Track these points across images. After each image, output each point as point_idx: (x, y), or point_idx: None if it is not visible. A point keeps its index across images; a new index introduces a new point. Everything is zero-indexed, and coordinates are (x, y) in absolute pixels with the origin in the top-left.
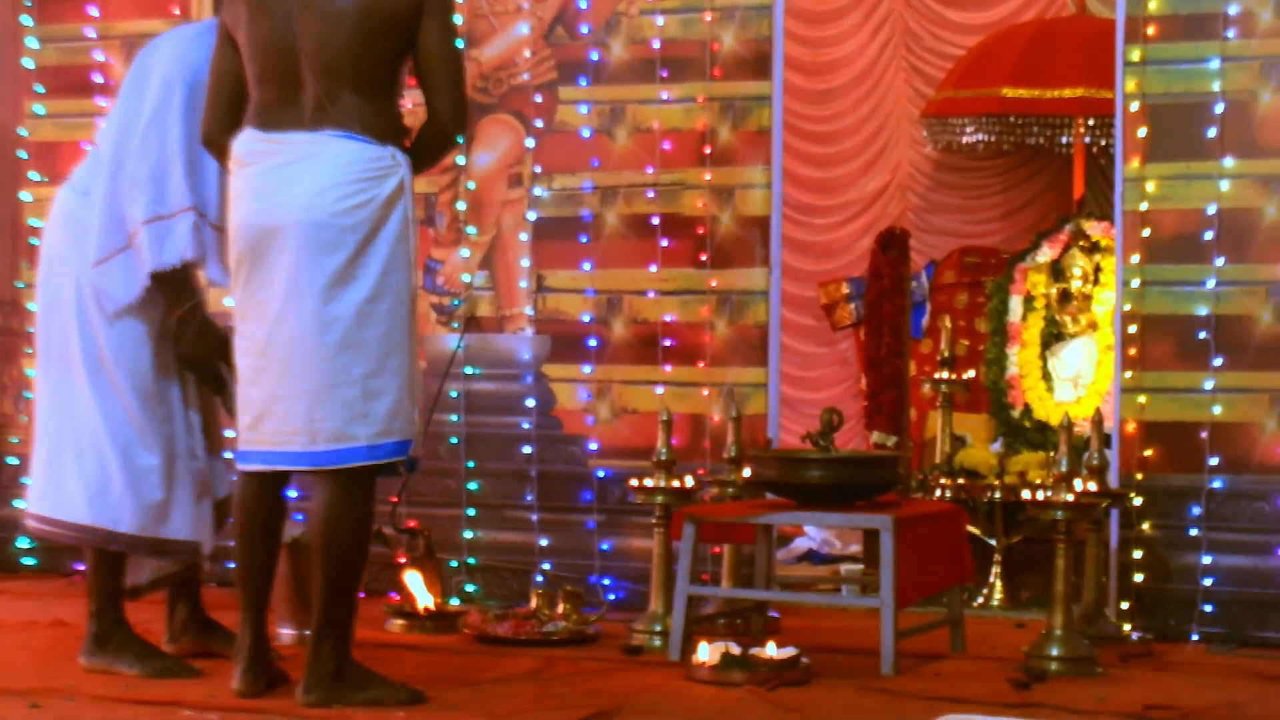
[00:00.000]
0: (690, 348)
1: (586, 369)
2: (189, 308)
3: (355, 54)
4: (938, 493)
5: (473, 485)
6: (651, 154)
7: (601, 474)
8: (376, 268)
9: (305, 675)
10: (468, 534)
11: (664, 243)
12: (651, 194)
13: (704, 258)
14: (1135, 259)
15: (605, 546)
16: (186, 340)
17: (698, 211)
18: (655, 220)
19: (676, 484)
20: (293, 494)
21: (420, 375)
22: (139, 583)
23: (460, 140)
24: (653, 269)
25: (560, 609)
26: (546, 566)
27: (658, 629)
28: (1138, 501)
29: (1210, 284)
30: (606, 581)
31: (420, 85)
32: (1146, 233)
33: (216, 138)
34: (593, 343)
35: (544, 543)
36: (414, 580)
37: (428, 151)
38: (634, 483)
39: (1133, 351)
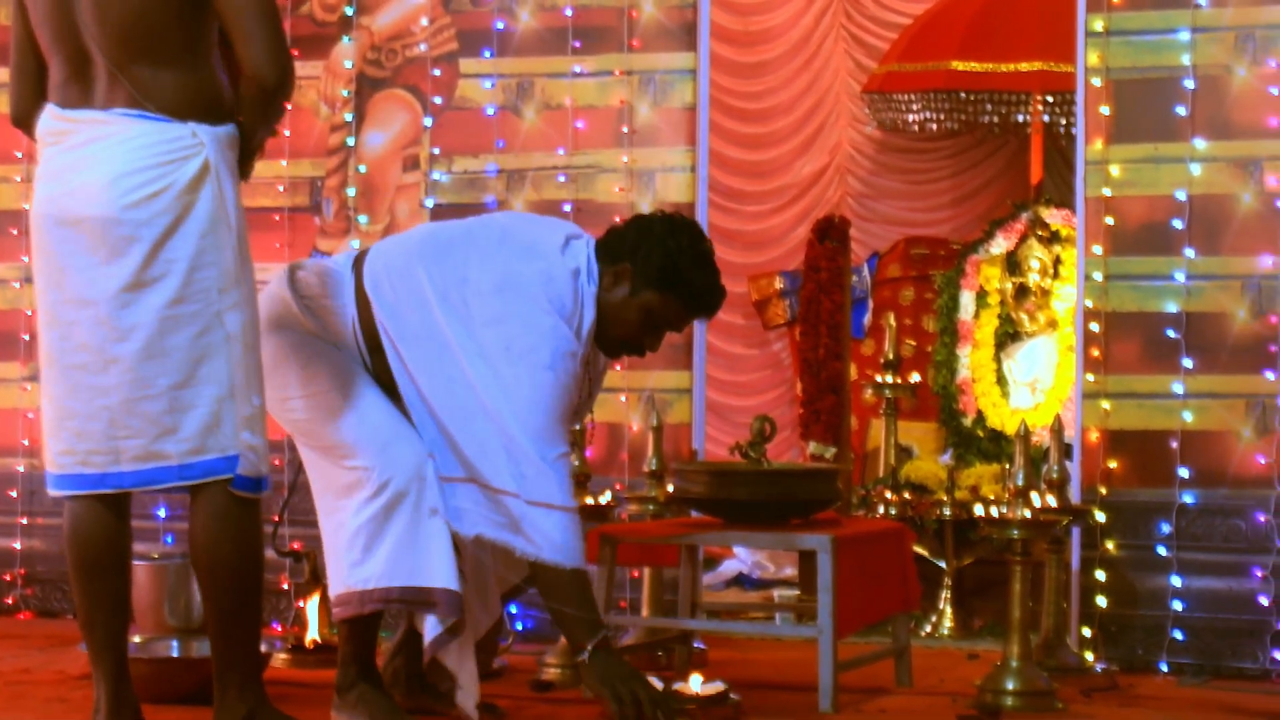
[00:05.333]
0: None
1: None
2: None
3: (139, 15)
4: (881, 509)
5: None
6: (563, 134)
7: None
8: (181, 266)
9: None
10: None
11: None
12: (563, 178)
13: None
14: (1098, 250)
15: None
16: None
17: (615, 198)
18: (567, 208)
19: (591, 500)
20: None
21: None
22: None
23: (284, 92)
24: None
25: None
26: None
27: (570, 662)
28: (1101, 518)
29: (1180, 278)
30: (513, 609)
31: (228, 38)
32: (1110, 221)
33: (27, 116)
34: None
35: None
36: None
37: (250, 114)
38: None
39: (1095, 352)
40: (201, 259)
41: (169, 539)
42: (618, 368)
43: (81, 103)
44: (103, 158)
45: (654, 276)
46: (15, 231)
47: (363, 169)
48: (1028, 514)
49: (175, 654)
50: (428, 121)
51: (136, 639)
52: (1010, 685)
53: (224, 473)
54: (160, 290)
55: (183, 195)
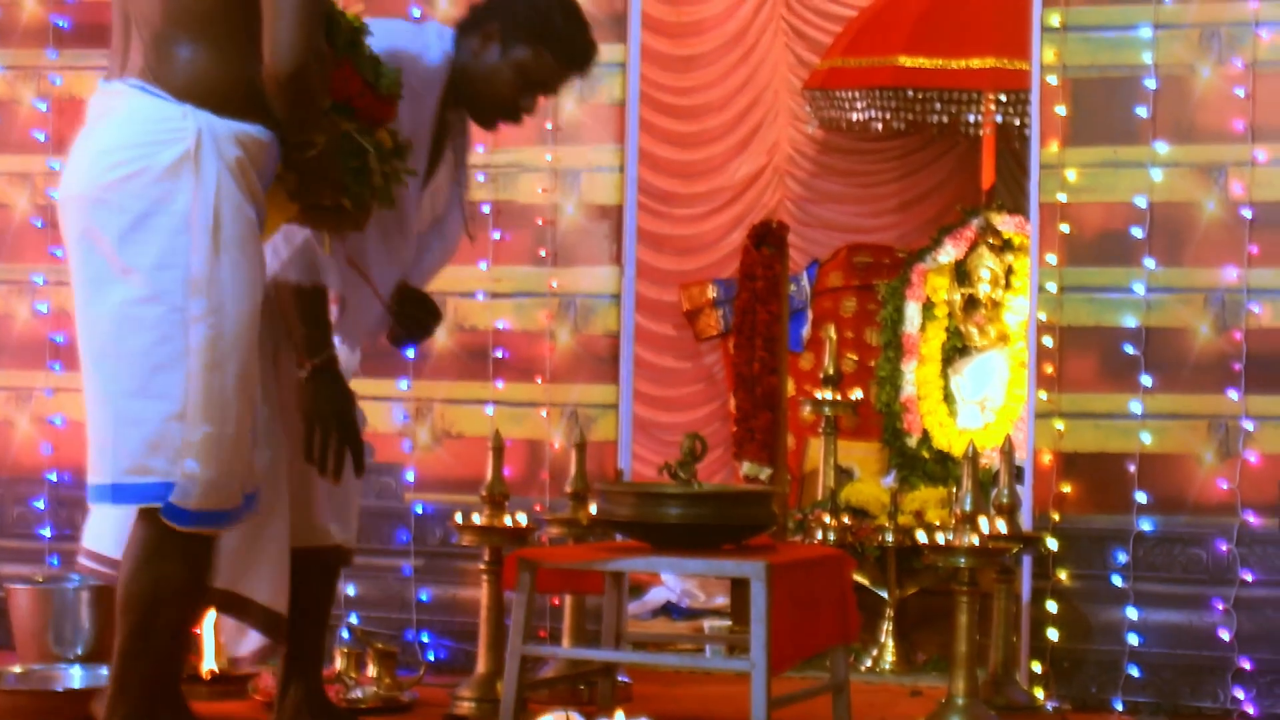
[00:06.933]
0: (527, 361)
1: (403, 384)
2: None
3: None
4: (819, 535)
5: None
6: (481, 130)
7: (420, 510)
8: (148, 260)
9: None
10: None
11: (496, 235)
12: (482, 177)
13: (544, 254)
14: (1052, 260)
15: (424, 596)
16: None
17: (537, 199)
18: (486, 209)
19: (509, 522)
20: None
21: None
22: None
23: (296, 87)
24: (483, 266)
25: (370, 671)
26: (353, 620)
27: (486, 695)
28: (1054, 546)
29: (1140, 290)
30: (425, 638)
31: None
32: (1066, 229)
33: None
34: (410, 353)
35: (351, 591)
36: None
37: (274, 106)
38: (459, 520)
39: (1049, 369)
40: (170, 258)
41: (54, 560)
42: (539, 380)
43: (111, 74)
44: (98, 132)
45: (523, 31)
46: None
47: None
48: (975, 541)
49: (59, 686)
50: None
51: (16, 669)
52: None
53: (158, 499)
54: (125, 284)
55: (159, 182)
